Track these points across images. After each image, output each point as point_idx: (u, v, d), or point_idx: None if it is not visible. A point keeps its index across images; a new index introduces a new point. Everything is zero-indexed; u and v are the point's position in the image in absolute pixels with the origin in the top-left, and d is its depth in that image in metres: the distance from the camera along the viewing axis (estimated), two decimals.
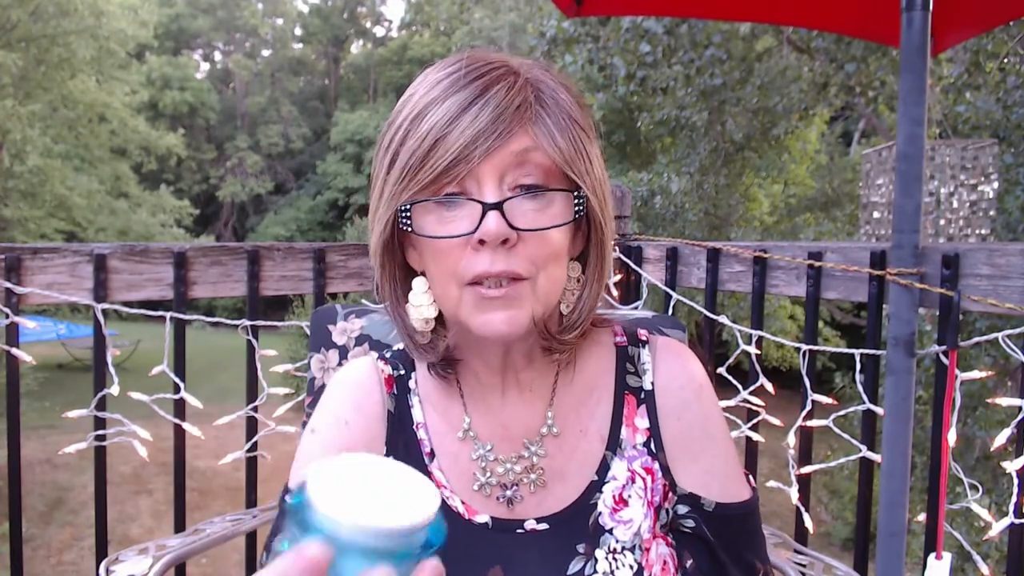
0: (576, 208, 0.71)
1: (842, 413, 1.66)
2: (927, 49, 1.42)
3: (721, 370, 1.76)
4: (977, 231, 5.05)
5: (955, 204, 5.10)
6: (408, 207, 0.70)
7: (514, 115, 0.68)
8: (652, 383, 0.82)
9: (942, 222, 5.15)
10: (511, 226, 0.68)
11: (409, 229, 0.71)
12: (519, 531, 0.78)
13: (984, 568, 1.52)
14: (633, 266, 1.97)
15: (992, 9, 1.80)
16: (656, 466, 0.80)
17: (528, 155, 0.69)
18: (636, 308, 1.95)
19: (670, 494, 0.80)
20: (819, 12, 2.02)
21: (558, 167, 0.71)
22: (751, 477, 0.83)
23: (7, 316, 1.47)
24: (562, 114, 0.71)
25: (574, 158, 0.71)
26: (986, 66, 5.89)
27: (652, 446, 0.80)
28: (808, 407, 1.66)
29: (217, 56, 34.69)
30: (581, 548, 0.77)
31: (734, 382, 1.73)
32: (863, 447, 1.58)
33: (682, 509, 0.80)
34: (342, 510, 0.46)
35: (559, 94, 0.73)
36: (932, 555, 1.43)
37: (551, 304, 0.73)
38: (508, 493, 0.79)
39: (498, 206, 0.67)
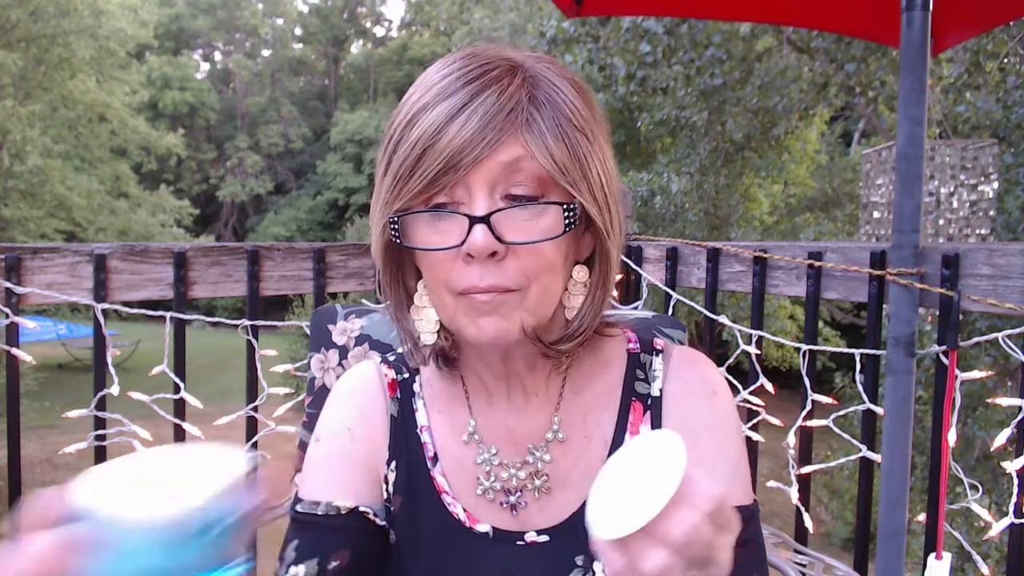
0: (567, 221, 0.68)
1: (842, 413, 1.66)
2: (927, 49, 1.42)
3: (721, 370, 1.76)
4: (977, 231, 5.04)
5: (955, 204, 5.10)
6: (396, 219, 0.69)
7: (504, 121, 0.65)
8: (660, 390, 0.80)
9: (942, 222, 5.15)
10: (499, 239, 0.66)
11: (399, 241, 0.70)
12: (519, 543, 0.77)
13: (984, 568, 1.52)
14: (633, 266, 1.97)
15: (992, 9, 1.80)
16: None
17: (519, 164, 0.66)
18: (636, 308, 1.95)
19: None
20: (819, 12, 2.02)
21: (553, 177, 0.68)
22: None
23: (7, 316, 1.47)
24: (559, 116, 0.68)
25: (568, 166, 0.67)
26: (986, 66, 5.89)
27: None
28: (808, 407, 1.66)
29: (217, 56, 34.72)
30: (580, 561, 0.75)
31: (734, 382, 1.73)
32: (863, 447, 1.58)
33: None
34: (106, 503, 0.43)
35: (558, 93, 0.69)
36: (932, 555, 1.43)
37: (543, 315, 0.71)
38: (512, 499, 0.78)
39: (485, 219, 0.65)
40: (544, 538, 0.77)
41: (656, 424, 0.79)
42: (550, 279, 0.70)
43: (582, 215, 0.70)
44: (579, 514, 0.76)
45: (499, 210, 0.66)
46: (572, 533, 0.76)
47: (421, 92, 0.69)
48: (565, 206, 0.68)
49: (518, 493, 0.78)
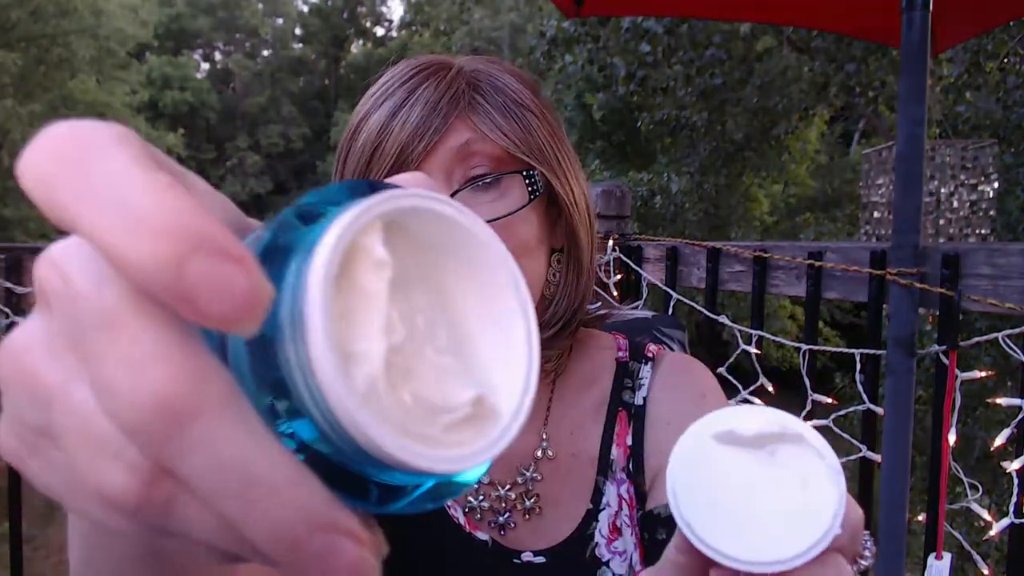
0: (530, 190, 0.66)
1: (842, 413, 1.66)
2: (927, 49, 1.42)
3: (721, 370, 1.76)
4: (977, 231, 5.05)
5: (955, 204, 5.10)
6: None
7: (448, 106, 0.64)
8: (644, 398, 0.76)
9: (942, 222, 5.15)
10: None
11: None
12: (516, 561, 0.74)
13: (984, 568, 1.52)
14: (633, 266, 1.97)
15: (992, 9, 1.80)
16: (634, 491, 0.74)
17: (470, 146, 0.64)
18: (636, 308, 1.95)
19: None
20: (819, 12, 2.02)
21: (509, 153, 0.66)
22: None
23: (7, 316, 1.47)
24: (503, 97, 0.67)
25: (520, 138, 0.66)
26: (986, 66, 5.88)
27: (631, 466, 0.74)
28: (808, 407, 1.66)
29: (217, 56, 34.70)
30: None
31: (734, 382, 1.73)
32: (863, 447, 1.58)
33: (646, 536, 0.72)
34: None
35: (500, 80, 0.68)
36: (932, 555, 1.43)
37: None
38: (501, 520, 0.74)
39: None
40: (541, 559, 0.74)
41: (637, 434, 0.74)
42: (529, 261, 0.68)
43: (545, 186, 0.69)
44: (575, 537, 0.73)
45: (457, 191, 0.64)
46: (569, 555, 0.73)
47: (361, 105, 0.68)
48: (525, 173, 0.67)
49: (507, 514, 0.74)
